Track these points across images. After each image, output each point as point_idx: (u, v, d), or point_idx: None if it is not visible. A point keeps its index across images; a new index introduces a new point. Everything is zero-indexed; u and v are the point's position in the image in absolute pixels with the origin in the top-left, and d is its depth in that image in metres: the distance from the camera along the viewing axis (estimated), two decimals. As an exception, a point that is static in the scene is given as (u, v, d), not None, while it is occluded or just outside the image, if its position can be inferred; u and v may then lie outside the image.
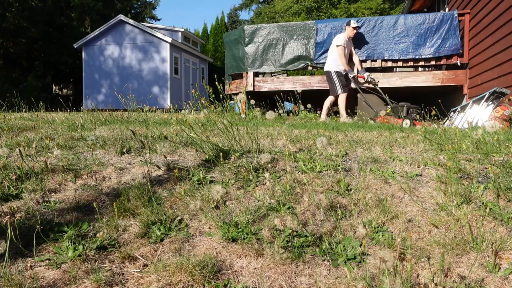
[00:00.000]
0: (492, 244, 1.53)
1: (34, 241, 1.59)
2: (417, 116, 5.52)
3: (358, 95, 6.43)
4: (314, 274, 1.47)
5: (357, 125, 4.51)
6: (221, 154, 2.43)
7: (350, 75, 6.38)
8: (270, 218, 1.82)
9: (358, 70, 6.66)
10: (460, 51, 6.82)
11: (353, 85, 6.50)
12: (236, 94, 7.94)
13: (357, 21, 7.27)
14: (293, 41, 7.49)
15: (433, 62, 6.90)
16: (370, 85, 6.55)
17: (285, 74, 9.66)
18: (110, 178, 2.45)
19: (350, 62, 6.70)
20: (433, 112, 4.81)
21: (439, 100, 5.71)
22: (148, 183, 2.21)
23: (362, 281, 1.37)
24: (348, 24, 6.53)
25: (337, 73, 6.42)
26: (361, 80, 6.63)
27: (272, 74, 8.76)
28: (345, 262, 1.51)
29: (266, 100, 7.52)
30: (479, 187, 1.99)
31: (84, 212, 2.02)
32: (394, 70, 7.96)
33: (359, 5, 30.70)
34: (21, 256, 1.62)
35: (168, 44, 16.83)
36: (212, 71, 21.81)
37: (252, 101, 5.77)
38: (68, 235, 1.73)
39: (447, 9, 8.39)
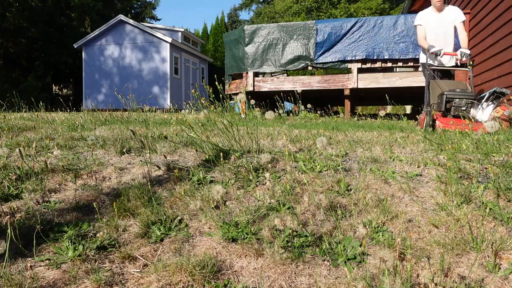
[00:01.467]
0: (492, 244, 1.53)
1: (34, 241, 1.59)
2: (470, 109, 3.82)
3: (430, 81, 4.49)
4: (314, 274, 1.47)
5: (357, 125, 4.51)
6: (221, 154, 2.43)
7: (431, 50, 4.42)
8: (270, 218, 1.82)
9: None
10: (460, 51, 6.79)
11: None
12: (236, 94, 7.94)
13: (357, 21, 7.25)
14: (293, 41, 7.49)
15: (433, 62, 6.90)
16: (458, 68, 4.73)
17: (285, 74, 9.65)
18: (110, 178, 2.45)
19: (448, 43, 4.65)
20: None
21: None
22: (148, 183, 2.21)
23: (362, 281, 1.37)
24: None
25: (423, 65, 4.80)
26: (445, 59, 4.60)
27: (272, 74, 8.76)
28: (345, 262, 1.51)
29: (266, 100, 7.52)
30: (479, 187, 1.99)
31: (84, 212, 2.02)
32: (394, 70, 7.96)
33: (359, 5, 30.71)
34: (21, 256, 1.62)
35: (168, 44, 16.82)
36: (212, 71, 21.81)
37: (252, 101, 5.77)
38: (68, 235, 1.73)
39: (447, 9, 8.38)
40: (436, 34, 4.63)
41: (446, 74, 4.74)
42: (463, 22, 4.65)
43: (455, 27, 4.68)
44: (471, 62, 4.46)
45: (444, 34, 4.65)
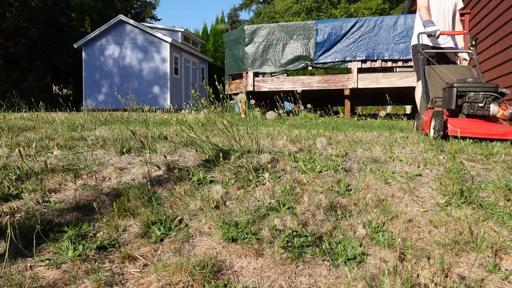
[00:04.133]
0: (492, 244, 1.53)
1: (34, 241, 1.59)
2: (490, 106, 3.01)
3: (426, 67, 3.75)
4: (314, 274, 1.47)
5: (357, 125, 4.51)
6: (221, 154, 2.43)
7: (426, 28, 3.75)
8: (270, 218, 1.82)
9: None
10: (460, 51, 6.78)
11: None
12: (236, 94, 7.94)
13: (357, 21, 7.24)
14: (293, 41, 7.49)
15: (433, 62, 6.90)
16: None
17: (285, 74, 9.65)
18: (110, 178, 2.45)
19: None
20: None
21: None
22: (148, 183, 2.21)
23: (362, 281, 1.37)
24: None
25: (414, 48, 4.13)
26: (442, 39, 4.02)
27: (272, 74, 8.76)
28: (345, 262, 1.51)
29: (266, 100, 7.53)
30: (479, 187, 1.99)
31: (84, 212, 2.02)
32: (394, 70, 7.96)
33: (359, 5, 30.71)
34: (21, 256, 1.62)
35: (168, 44, 16.83)
36: (212, 71, 21.81)
37: (252, 101, 5.77)
38: (68, 235, 1.73)
39: (447, 9, 8.37)
40: (438, 11, 4.01)
41: (443, 58, 3.98)
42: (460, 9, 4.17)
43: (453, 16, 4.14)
44: (473, 42, 3.69)
45: (444, 14, 4.04)
